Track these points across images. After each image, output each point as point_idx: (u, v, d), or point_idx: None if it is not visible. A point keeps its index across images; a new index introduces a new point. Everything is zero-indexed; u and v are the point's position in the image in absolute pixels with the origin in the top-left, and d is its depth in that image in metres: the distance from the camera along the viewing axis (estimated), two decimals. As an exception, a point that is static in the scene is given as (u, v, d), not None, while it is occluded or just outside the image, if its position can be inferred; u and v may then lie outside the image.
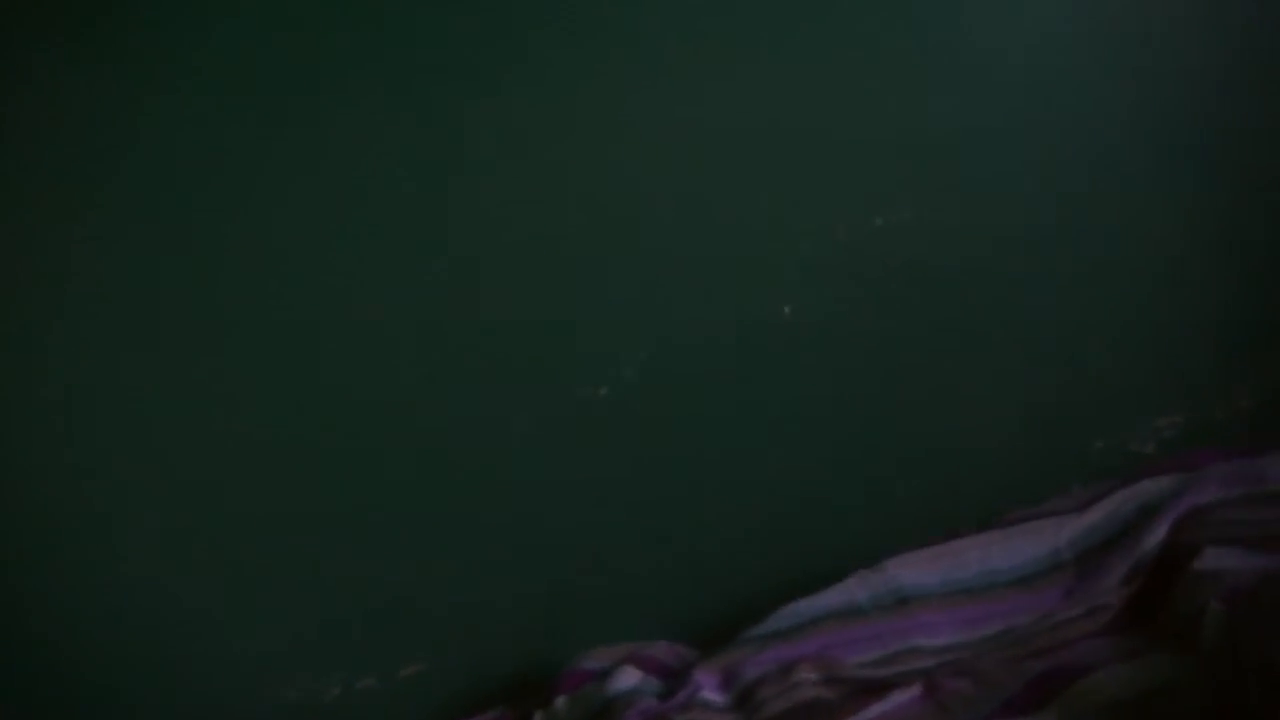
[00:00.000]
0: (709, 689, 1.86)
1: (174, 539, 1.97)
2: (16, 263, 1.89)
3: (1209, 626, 1.62)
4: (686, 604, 2.09)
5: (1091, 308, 2.17)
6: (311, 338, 1.97)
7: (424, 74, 1.93)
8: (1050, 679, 1.69)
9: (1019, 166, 2.11)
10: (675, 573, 2.11)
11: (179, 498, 1.96)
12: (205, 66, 1.89)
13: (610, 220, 2.03)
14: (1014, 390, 2.17)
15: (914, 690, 1.76)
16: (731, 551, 2.11)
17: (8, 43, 1.84)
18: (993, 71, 2.08)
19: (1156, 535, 1.89)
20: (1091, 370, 2.18)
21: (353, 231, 1.96)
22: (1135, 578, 1.87)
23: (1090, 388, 2.18)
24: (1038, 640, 1.83)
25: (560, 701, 1.89)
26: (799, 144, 2.03)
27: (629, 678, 1.88)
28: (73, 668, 1.96)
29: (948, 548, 1.98)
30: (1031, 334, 2.17)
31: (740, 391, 2.08)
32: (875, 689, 1.78)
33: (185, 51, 1.88)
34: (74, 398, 1.92)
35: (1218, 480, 1.95)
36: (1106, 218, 2.14)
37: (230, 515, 1.97)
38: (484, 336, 2.01)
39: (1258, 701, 1.43)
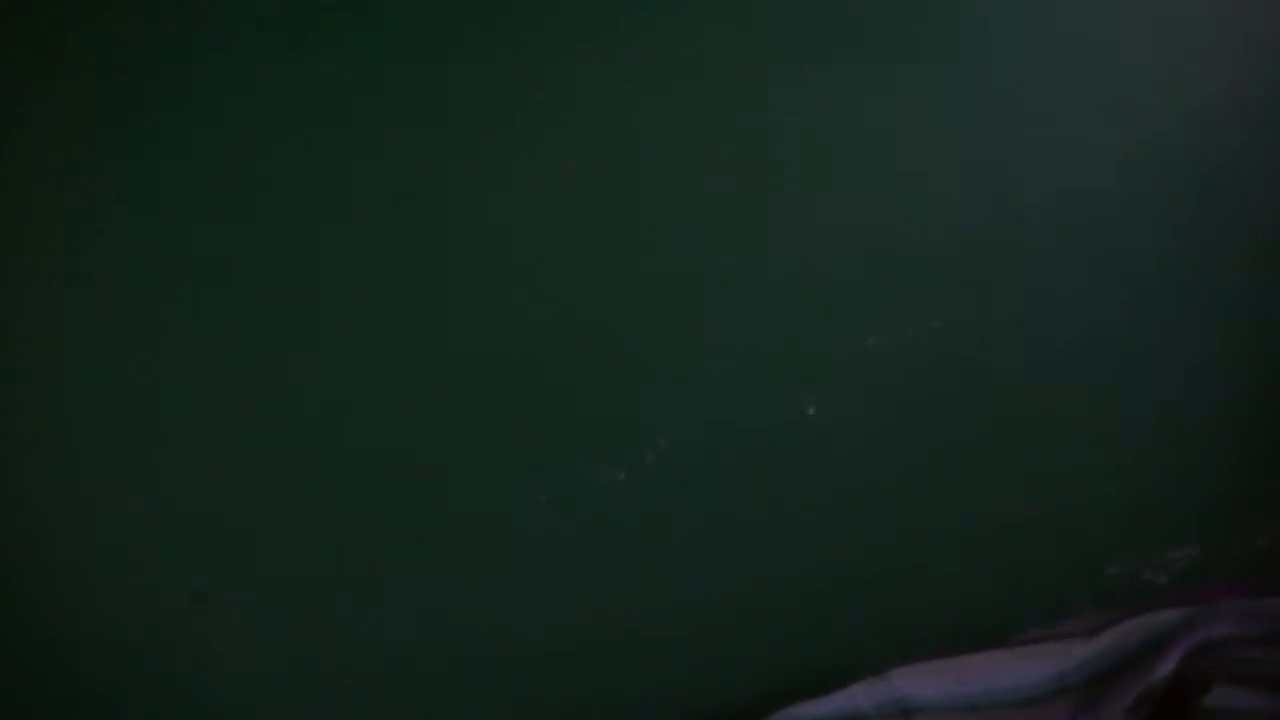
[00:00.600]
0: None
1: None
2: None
3: (1216, 764, 1.61)
4: (685, 701, 2.07)
5: (1111, 430, 2.17)
6: (330, 410, 1.96)
7: (445, 142, 1.95)
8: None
9: (1048, 284, 2.12)
10: (675, 667, 2.10)
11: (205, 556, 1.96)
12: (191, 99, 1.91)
13: (640, 306, 2.03)
14: (1029, 506, 2.16)
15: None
16: (735, 649, 2.09)
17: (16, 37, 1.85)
18: (1025, 190, 2.10)
19: (1166, 667, 1.88)
20: (1106, 494, 2.18)
21: (369, 303, 1.96)
22: (1142, 708, 1.86)
23: (1104, 512, 2.18)
24: (1039, 763, 1.82)
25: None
26: (835, 249, 2.05)
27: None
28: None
29: (954, 662, 1.97)
30: (1050, 452, 2.17)
31: (758, 487, 2.08)
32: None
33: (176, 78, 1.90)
34: (91, 446, 1.92)
35: (1231, 617, 1.94)
36: (1132, 339, 2.15)
37: (252, 577, 1.96)
38: (504, 411, 2.01)
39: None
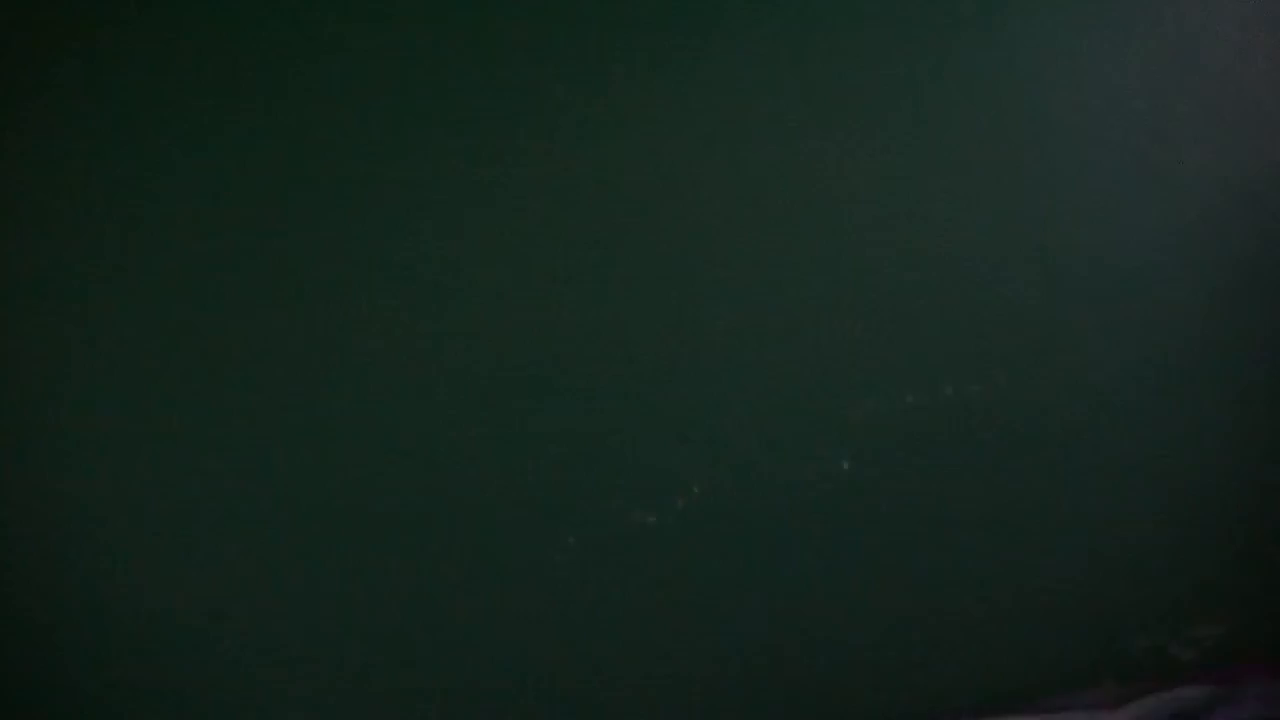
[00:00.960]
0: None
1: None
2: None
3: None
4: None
5: (1146, 507, 2.16)
6: (366, 448, 1.97)
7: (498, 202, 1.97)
8: None
9: (1090, 358, 2.12)
10: (694, 711, 2.09)
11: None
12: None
13: (681, 355, 2.04)
14: (1059, 575, 2.15)
15: None
16: (754, 702, 2.08)
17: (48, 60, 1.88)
18: (1066, 260, 2.10)
19: (1189, 745, 1.86)
20: (1134, 567, 2.16)
21: (411, 342, 1.98)
22: (1164, 784, 1.84)
23: (1132, 585, 2.16)
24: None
25: None
26: (877, 310, 2.06)
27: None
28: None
29: (979, 726, 1.96)
30: (1083, 522, 2.15)
31: (788, 539, 2.07)
32: None
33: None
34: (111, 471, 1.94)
35: (1257, 698, 1.93)
36: (1170, 418, 2.14)
37: (282, 631, 1.97)
38: (537, 450, 2.01)
39: None
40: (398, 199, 1.97)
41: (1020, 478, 2.12)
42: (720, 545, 2.06)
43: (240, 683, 1.95)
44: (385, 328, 1.97)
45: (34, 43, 1.90)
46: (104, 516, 1.95)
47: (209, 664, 1.95)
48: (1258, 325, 2.14)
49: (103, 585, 1.94)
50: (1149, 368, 2.13)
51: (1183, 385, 2.14)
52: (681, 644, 2.06)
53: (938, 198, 2.07)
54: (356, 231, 1.96)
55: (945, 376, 2.09)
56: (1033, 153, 2.09)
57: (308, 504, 1.96)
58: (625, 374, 2.03)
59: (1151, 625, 2.15)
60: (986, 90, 2.08)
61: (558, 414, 2.02)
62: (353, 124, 1.95)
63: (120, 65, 1.91)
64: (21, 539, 1.94)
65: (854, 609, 2.08)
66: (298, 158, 1.94)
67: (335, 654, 1.97)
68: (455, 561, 2.00)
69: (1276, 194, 2.12)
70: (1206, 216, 2.11)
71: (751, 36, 2.02)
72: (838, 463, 2.07)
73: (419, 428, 1.99)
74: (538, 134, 1.98)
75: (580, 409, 2.02)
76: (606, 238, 2.02)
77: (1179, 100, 2.11)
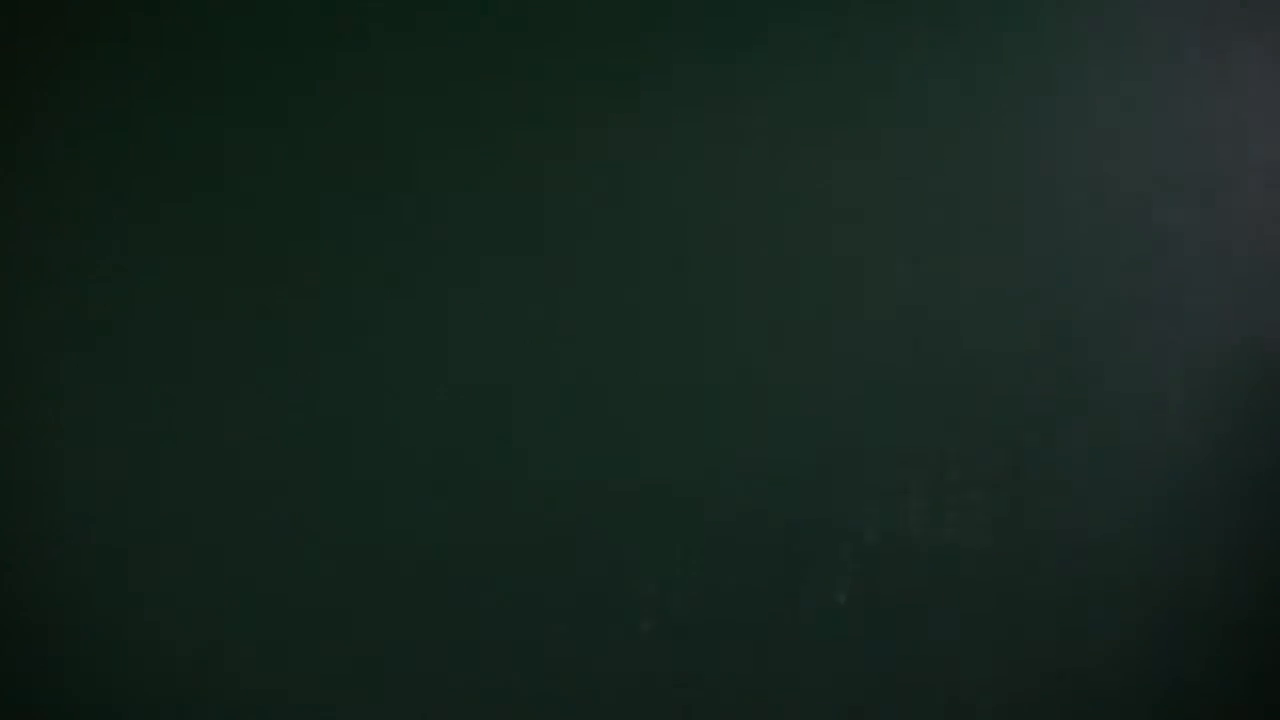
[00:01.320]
0: None
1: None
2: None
3: None
4: None
5: (1142, 644, 2.10)
6: (344, 549, 1.97)
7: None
8: None
9: (1086, 493, 2.08)
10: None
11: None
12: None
13: (665, 474, 2.01)
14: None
15: None
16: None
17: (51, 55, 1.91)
18: (1078, 400, 2.08)
19: None
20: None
21: (388, 440, 1.97)
22: None
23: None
24: None
25: None
26: (876, 433, 2.03)
27: None
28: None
29: None
30: (1071, 666, 2.10)
31: (776, 663, 2.02)
32: None
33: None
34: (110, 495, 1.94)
35: None
36: (1168, 560, 2.11)
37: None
38: (529, 552, 1.98)
39: None
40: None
41: (1014, 616, 2.07)
42: (709, 659, 2.01)
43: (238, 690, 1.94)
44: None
45: (34, 43, 1.94)
46: (102, 519, 1.93)
47: (207, 671, 1.93)
48: (1257, 478, 2.10)
49: (100, 587, 1.92)
50: (1148, 515, 2.09)
51: (1182, 537, 2.09)
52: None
53: (947, 317, 2.06)
54: (361, 240, 1.96)
55: (943, 506, 2.05)
56: (1054, 290, 2.08)
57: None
58: (623, 484, 2.01)
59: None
60: (1003, 213, 2.08)
61: (534, 533, 2.00)
62: (364, 131, 1.97)
63: (122, 67, 1.95)
64: (20, 540, 1.93)
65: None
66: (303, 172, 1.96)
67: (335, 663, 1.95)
68: (438, 648, 1.97)
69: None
70: (1215, 363, 2.09)
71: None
72: (835, 596, 2.03)
73: (410, 543, 1.98)
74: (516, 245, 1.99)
75: (557, 524, 2.00)
76: (595, 352, 2.01)
77: (1199, 248, 2.10)
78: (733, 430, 2.01)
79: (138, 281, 1.92)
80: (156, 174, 1.92)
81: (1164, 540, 2.11)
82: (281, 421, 1.94)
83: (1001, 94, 2.08)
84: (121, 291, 1.92)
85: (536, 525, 1.98)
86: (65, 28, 1.92)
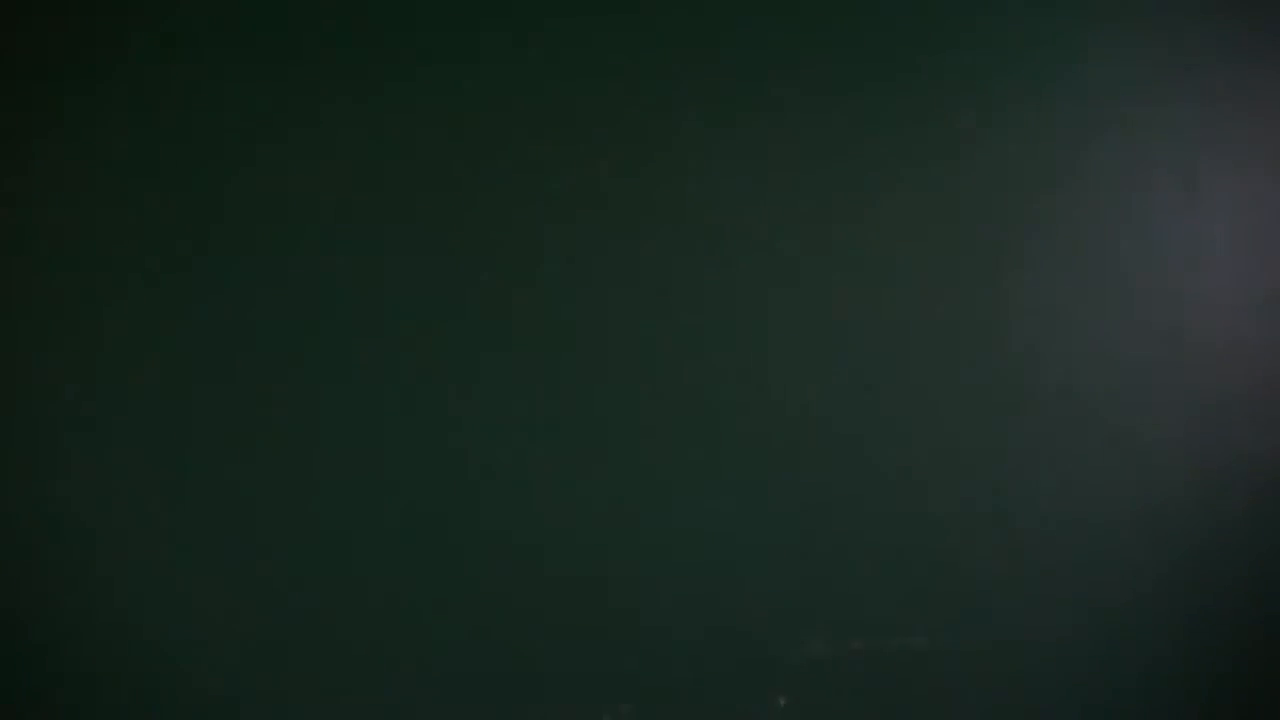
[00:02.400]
0: None
1: None
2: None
3: None
4: None
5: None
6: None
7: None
8: None
9: (1043, 627, 2.08)
10: None
11: None
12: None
13: (618, 570, 2.03)
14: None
15: None
16: None
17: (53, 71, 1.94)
18: (1037, 533, 2.08)
19: None
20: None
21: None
22: None
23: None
24: None
25: None
26: (831, 551, 2.04)
27: None
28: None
29: None
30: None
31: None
32: None
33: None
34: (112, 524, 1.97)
35: None
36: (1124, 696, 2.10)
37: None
38: (460, 655, 2.02)
39: None
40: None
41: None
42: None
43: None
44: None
45: (35, 43, 1.95)
46: (100, 522, 1.97)
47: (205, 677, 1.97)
48: (1220, 617, 2.10)
49: (98, 591, 1.97)
50: (1104, 641, 2.09)
51: (1138, 669, 2.09)
52: None
53: (904, 444, 2.07)
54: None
55: (892, 625, 2.06)
56: (1009, 415, 2.08)
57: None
58: (561, 583, 2.03)
59: None
60: (967, 345, 2.07)
61: (492, 614, 2.02)
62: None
63: (123, 67, 1.96)
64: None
65: None
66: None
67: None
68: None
69: (1241, 483, 2.08)
70: (1174, 492, 2.08)
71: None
72: (774, 698, 2.05)
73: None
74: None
75: (516, 611, 2.02)
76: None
77: (1162, 378, 2.09)
78: (682, 543, 2.03)
79: (137, 282, 1.95)
80: (157, 176, 1.95)
81: (1113, 652, 2.11)
82: (281, 422, 1.97)
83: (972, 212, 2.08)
84: (122, 292, 1.95)
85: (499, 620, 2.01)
86: (66, 28, 1.93)
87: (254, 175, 1.97)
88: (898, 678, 2.06)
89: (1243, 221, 2.10)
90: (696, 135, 2.02)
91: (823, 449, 2.05)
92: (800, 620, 2.05)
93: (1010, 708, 2.07)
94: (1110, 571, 2.08)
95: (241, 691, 1.96)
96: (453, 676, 2.00)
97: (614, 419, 2.02)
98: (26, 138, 1.96)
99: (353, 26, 2.00)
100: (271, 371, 1.99)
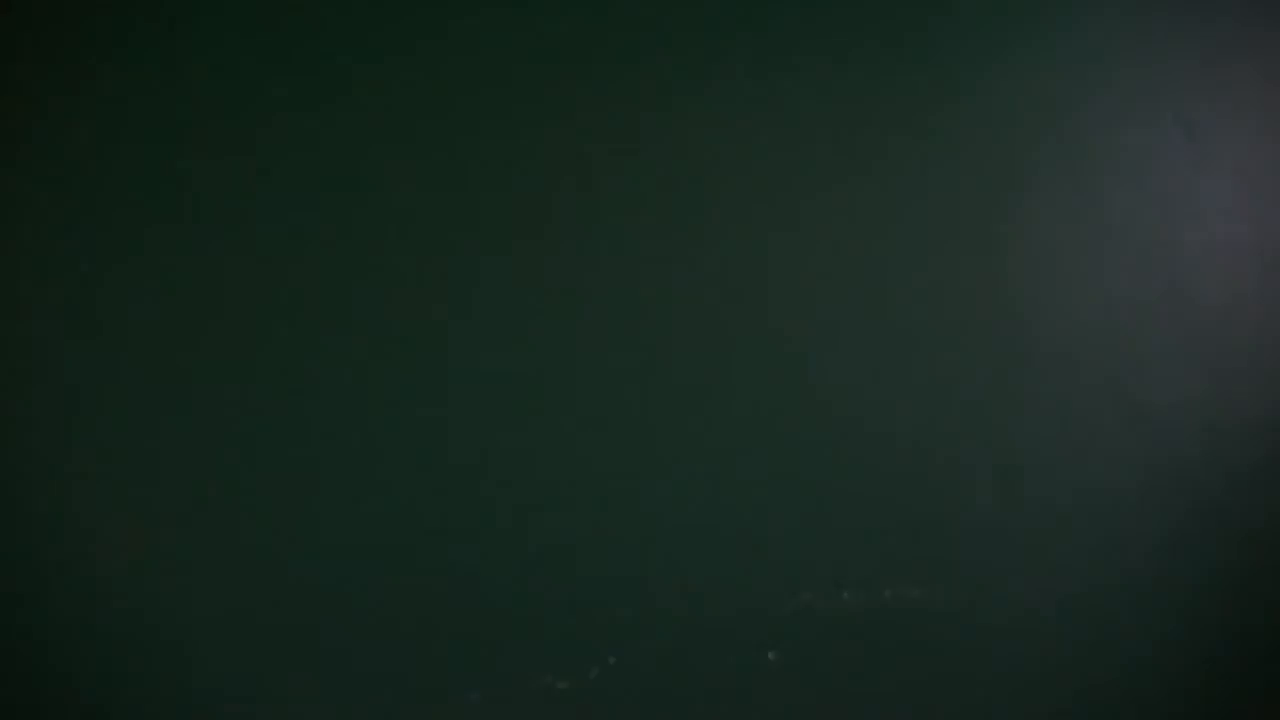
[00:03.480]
0: None
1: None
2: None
3: None
4: None
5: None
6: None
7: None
8: None
9: (1040, 581, 2.06)
10: None
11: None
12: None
13: (611, 523, 2.01)
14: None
15: None
16: None
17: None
18: (1037, 485, 2.06)
19: None
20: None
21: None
22: None
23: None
24: None
25: None
26: (826, 502, 2.02)
27: None
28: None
29: None
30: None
31: (701, 721, 2.03)
32: None
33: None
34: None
35: None
36: (1116, 655, 2.08)
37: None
38: (456, 596, 2.00)
39: None
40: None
41: (954, 691, 2.05)
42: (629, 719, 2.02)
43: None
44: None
45: (36, 42, 1.95)
46: (97, 520, 1.96)
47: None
48: (1218, 563, 2.07)
49: (97, 592, 1.96)
50: (1100, 597, 2.06)
51: (1133, 621, 2.07)
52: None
53: (900, 398, 2.04)
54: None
55: (886, 578, 2.04)
56: (1009, 368, 2.05)
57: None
58: (556, 536, 2.01)
59: None
60: (964, 296, 2.05)
61: (483, 563, 2.01)
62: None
63: (123, 66, 1.96)
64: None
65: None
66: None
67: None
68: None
69: (1245, 438, 2.05)
70: (1175, 452, 2.06)
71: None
72: (763, 653, 2.03)
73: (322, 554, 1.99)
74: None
75: (508, 561, 2.00)
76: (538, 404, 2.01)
77: (1164, 334, 2.06)
78: (671, 496, 2.02)
79: (138, 283, 1.94)
80: (158, 178, 1.95)
81: (1111, 619, 2.09)
82: (279, 424, 1.96)
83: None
84: (122, 293, 1.94)
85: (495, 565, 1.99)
86: (68, 28, 1.93)
87: (252, 173, 1.96)
88: (890, 630, 2.03)
89: (1245, 173, 2.07)
90: (680, 69, 2.01)
91: (816, 403, 2.02)
92: (791, 572, 2.03)
93: (1003, 660, 2.05)
94: (1107, 526, 2.06)
95: (240, 690, 1.95)
96: (440, 629, 1.98)
97: (607, 381, 2.00)
98: (24, 135, 1.95)
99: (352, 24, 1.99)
100: (269, 367, 1.97)
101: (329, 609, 1.95)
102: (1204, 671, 2.10)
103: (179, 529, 1.96)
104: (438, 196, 1.99)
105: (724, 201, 2.01)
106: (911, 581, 2.04)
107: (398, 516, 1.97)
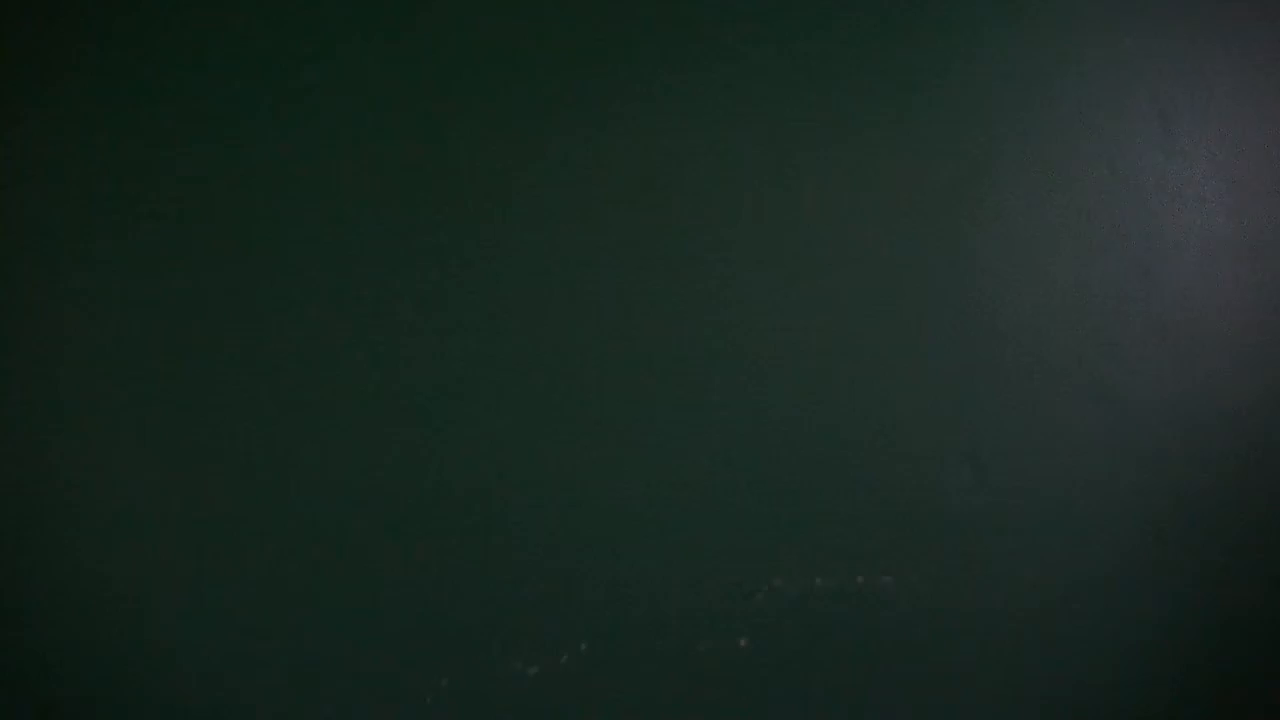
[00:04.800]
0: None
1: None
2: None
3: None
4: None
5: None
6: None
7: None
8: None
9: (1012, 569, 2.06)
10: None
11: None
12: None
13: (581, 507, 2.00)
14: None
15: None
16: None
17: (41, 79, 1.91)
18: (1008, 473, 2.05)
19: None
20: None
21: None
22: None
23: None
24: None
25: None
26: (800, 488, 2.01)
27: None
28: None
29: None
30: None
31: (672, 708, 2.02)
32: None
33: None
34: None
35: None
36: (1087, 646, 2.07)
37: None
38: (424, 581, 1.98)
39: None
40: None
41: (923, 674, 2.05)
42: (601, 706, 2.01)
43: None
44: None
45: (35, 42, 1.93)
46: (96, 520, 1.95)
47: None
48: (1192, 555, 2.07)
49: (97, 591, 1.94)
50: (1073, 587, 2.06)
51: (1105, 611, 2.06)
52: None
53: (872, 387, 2.04)
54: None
55: (858, 564, 2.03)
56: (980, 354, 2.05)
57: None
58: (525, 521, 2.00)
59: None
60: (936, 285, 2.04)
61: (453, 549, 1.99)
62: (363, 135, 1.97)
63: (123, 65, 1.94)
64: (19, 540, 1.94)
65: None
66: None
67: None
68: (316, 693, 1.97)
69: (1219, 426, 2.05)
70: (1149, 441, 2.06)
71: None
72: (734, 639, 2.02)
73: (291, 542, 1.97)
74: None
75: (478, 547, 1.99)
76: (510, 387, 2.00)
77: (1137, 322, 2.06)
78: (643, 481, 2.01)
79: (138, 283, 1.93)
80: (156, 176, 1.93)
81: (1083, 608, 2.09)
82: (278, 424, 1.95)
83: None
84: (121, 293, 1.93)
85: (459, 549, 1.98)
86: (68, 28, 1.92)
87: (251, 171, 1.95)
88: (861, 616, 2.03)
89: (1219, 162, 2.07)
90: (642, 67, 2.00)
91: (788, 389, 2.02)
92: (763, 558, 2.02)
93: (973, 647, 2.05)
94: (1079, 515, 2.06)
95: (239, 688, 1.94)
96: (410, 615, 1.97)
97: (578, 374, 1.99)
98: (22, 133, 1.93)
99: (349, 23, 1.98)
100: (268, 366, 1.96)
101: (296, 599, 1.94)
102: (1176, 661, 2.10)
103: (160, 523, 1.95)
104: (416, 193, 1.98)
105: (691, 197, 2.00)
106: (883, 569, 2.04)
107: (367, 506, 1.95)
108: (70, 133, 1.92)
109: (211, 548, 1.94)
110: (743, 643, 2.02)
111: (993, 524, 2.05)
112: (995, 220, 2.04)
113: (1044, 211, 2.04)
